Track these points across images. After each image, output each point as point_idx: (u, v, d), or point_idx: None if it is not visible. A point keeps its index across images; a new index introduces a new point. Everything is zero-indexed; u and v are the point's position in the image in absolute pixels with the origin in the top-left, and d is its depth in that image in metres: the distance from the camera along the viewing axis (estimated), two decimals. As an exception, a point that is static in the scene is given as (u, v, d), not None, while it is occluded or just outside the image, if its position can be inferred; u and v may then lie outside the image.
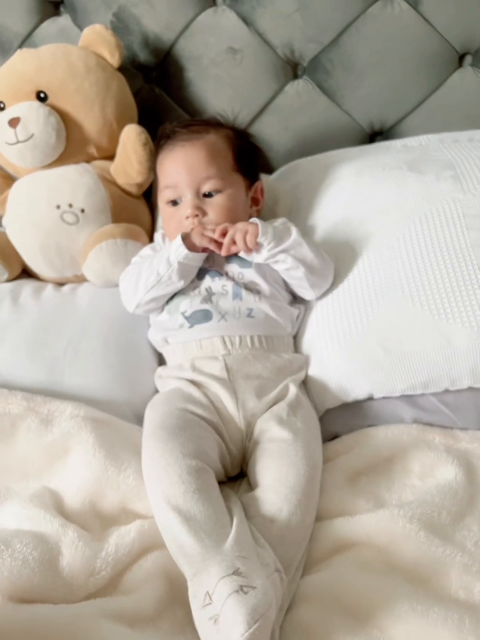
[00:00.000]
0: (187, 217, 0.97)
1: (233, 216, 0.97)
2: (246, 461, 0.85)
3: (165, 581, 0.68)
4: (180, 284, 0.95)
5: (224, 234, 0.92)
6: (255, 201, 1.05)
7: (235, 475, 0.87)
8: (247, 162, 1.04)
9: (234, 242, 0.92)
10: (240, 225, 0.93)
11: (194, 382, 0.88)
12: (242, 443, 0.85)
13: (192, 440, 0.77)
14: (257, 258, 0.94)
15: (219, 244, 0.93)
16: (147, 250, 1.06)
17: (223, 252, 0.93)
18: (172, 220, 1.01)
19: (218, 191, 0.98)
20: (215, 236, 0.92)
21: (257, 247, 0.92)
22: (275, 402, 0.86)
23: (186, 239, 0.93)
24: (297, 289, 0.99)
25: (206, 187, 0.97)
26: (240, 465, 0.87)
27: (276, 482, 0.74)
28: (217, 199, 0.98)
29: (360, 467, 0.85)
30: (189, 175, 0.97)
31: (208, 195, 0.98)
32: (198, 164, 0.97)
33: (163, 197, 1.01)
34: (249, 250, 0.92)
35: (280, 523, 0.71)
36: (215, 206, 0.97)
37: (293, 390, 0.88)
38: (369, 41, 1.23)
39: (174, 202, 1.00)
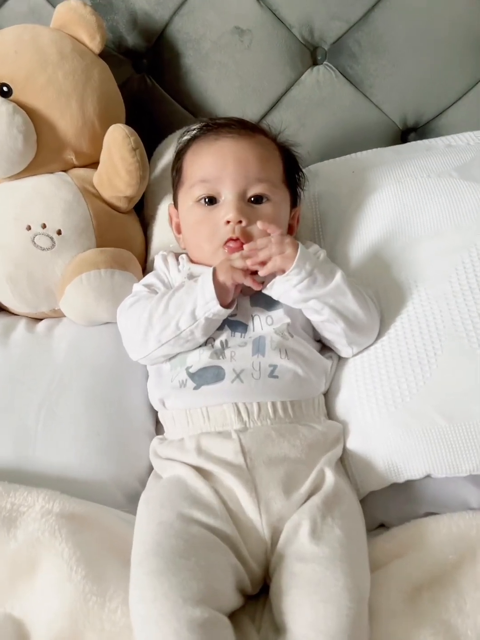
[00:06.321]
0: (228, 223, 0.80)
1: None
2: (270, 577, 0.66)
3: None
4: (202, 341, 0.78)
5: (263, 263, 0.76)
6: (290, 228, 0.91)
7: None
8: (294, 181, 0.92)
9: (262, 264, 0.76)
10: (278, 239, 0.75)
11: (200, 470, 0.69)
12: (266, 556, 0.66)
13: (197, 574, 0.59)
14: (285, 299, 0.77)
15: (254, 276, 0.76)
16: (151, 278, 0.88)
17: (262, 275, 0.76)
18: (203, 225, 0.83)
19: (268, 199, 0.83)
20: (251, 264, 0.75)
21: (281, 273, 0.75)
22: (308, 497, 0.67)
23: (216, 283, 0.75)
24: (331, 343, 0.82)
25: (256, 190, 0.83)
26: (263, 579, 0.67)
27: (311, 629, 0.57)
28: (266, 208, 0.83)
29: (421, 579, 0.67)
30: (238, 170, 0.82)
31: (255, 201, 0.83)
32: (251, 160, 0.84)
33: (192, 195, 0.84)
34: (267, 272, 0.75)
35: None
36: (262, 216, 0.81)
37: (330, 478, 0.69)
38: (405, 18, 1.11)
39: (211, 201, 0.83)
